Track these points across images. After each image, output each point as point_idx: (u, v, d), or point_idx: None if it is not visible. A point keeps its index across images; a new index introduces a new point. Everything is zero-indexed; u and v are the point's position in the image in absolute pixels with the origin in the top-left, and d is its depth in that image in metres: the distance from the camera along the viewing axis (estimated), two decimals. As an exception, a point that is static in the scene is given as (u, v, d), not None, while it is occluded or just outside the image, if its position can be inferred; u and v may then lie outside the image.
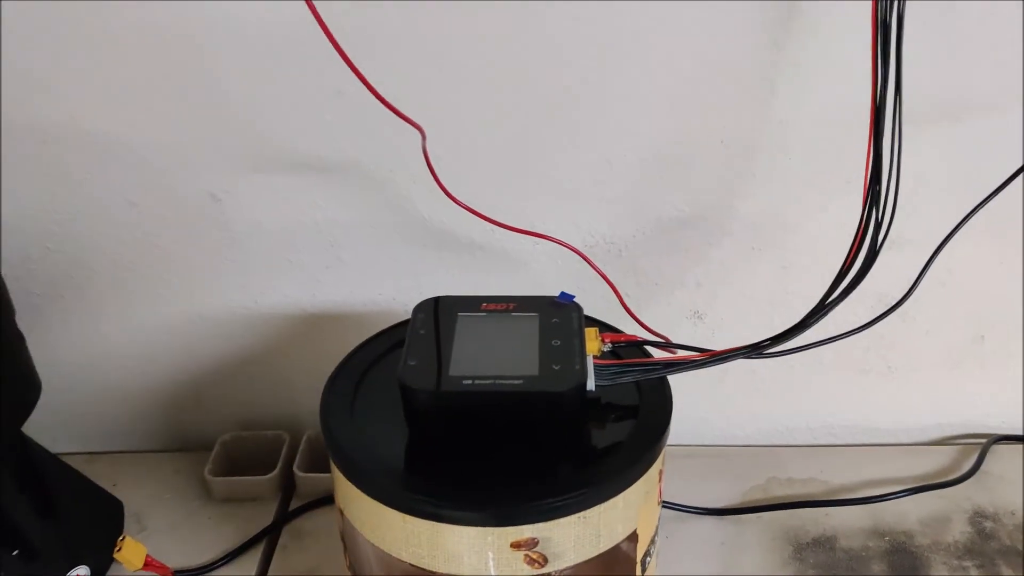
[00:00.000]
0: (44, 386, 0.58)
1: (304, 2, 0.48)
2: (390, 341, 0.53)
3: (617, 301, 0.59)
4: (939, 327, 0.70)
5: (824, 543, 0.64)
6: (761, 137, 0.62)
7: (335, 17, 0.48)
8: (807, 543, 0.64)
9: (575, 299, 0.51)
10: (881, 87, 0.50)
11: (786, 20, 0.57)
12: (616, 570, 0.46)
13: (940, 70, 0.59)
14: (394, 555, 0.45)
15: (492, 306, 0.51)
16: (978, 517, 0.66)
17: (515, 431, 0.45)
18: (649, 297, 0.68)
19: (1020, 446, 0.72)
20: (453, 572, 0.44)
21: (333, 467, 0.47)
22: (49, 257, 0.66)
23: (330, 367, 0.52)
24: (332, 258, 0.67)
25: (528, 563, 0.43)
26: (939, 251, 0.54)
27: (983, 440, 0.73)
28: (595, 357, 0.47)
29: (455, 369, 0.45)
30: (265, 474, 0.68)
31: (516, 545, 0.42)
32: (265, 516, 0.67)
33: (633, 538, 0.46)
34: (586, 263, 0.60)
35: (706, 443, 0.74)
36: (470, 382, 0.44)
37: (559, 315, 0.50)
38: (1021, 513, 0.66)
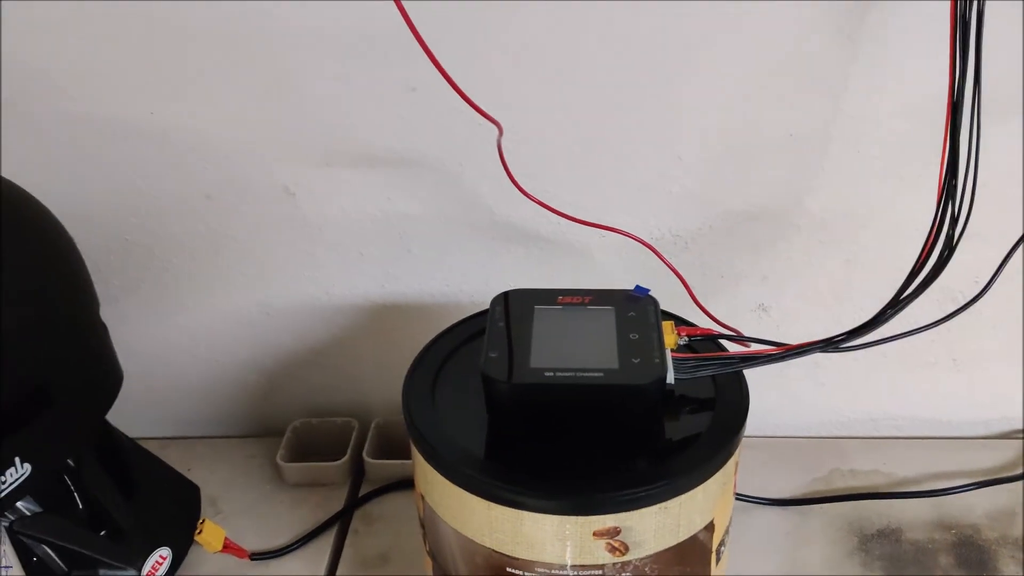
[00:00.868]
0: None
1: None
2: (466, 332, 0.54)
3: (685, 294, 0.59)
4: (1005, 320, 0.70)
5: (889, 535, 0.64)
6: (831, 131, 0.62)
7: (412, 13, 0.49)
8: (872, 535, 0.64)
9: (650, 292, 0.52)
10: (960, 81, 0.50)
11: (860, 12, 0.57)
12: (692, 559, 0.47)
13: (1020, 63, 0.58)
14: (476, 541, 0.46)
15: (568, 299, 0.52)
16: (1045, 512, 0.66)
17: (595, 422, 0.46)
18: (714, 290, 0.68)
19: (1087, 440, 0.72)
20: (535, 559, 0.45)
21: (415, 454, 0.48)
22: (127, 249, 0.68)
23: (398, 357, 0.53)
24: (402, 251, 0.68)
25: (609, 551, 0.44)
26: (1015, 249, 0.54)
27: (1048, 434, 0.73)
28: (672, 351, 0.48)
29: (536, 361, 0.46)
30: (335, 460, 0.70)
31: (598, 534, 0.43)
32: (336, 501, 0.69)
33: (710, 528, 0.47)
34: (653, 256, 0.61)
35: (769, 435, 0.74)
36: (552, 374, 0.45)
37: (635, 308, 0.50)
38: (1089, 508, 0.66)
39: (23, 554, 0.55)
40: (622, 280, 0.54)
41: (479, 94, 0.54)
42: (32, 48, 0.59)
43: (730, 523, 0.50)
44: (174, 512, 0.65)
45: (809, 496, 0.68)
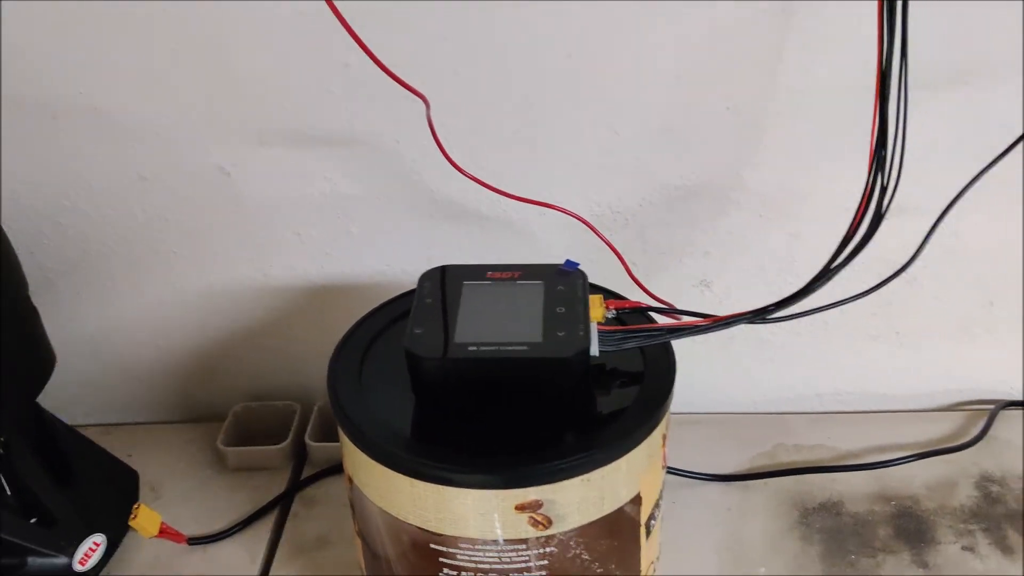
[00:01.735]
0: (59, 360, 0.59)
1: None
2: (396, 311, 0.54)
3: (624, 270, 0.59)
4: (947, 293, 0.70)
5: (830, 508, 0.64)
6: (769, 105, 0.61)
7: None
8: (813, 508, 0.64)
9: (579, 267, 0.52)
10: (887, 52, 0.50)
11: (792, -15, 0.57)
12: (620, 533, 0.47)
13: (948, 36, 0.58)
14: (401, 519, 0.45)
15: (497, 274, 0.51)
16: (985, 481, 0.66)
17: (520, 397, 0.46)
18: (657, 266, 0.68)
19: (1029, 412, 0.72)
20: (459, 534, 0.44)
21: (341, 434, 0.48)
22: (62, 232, 0.67)
23: (339, 338, 0.53)
24: (340, 230, 0.67)
25: (532, 524, 0.43)
26: (944, 215, 0.54)
27: (991, 406, 0.73)
28: (599, 323, 0.48)
29: (460, 336, 0.46)
30: (277, 444, 0.69)
31: (521, 507, 0.43)
32: (277, 485, 0.68)
33: (637, 501, 0.47)
34: (593, 233, 0.60)
35: (713, 411, 0.74)
36: (475, 349, 0.45)
37: (564, 283, 0.50)
38: (1028, 478, 0.66)
39: (-53, 541, 0.54)
40: (564, 257, 0.54)
41: (411, 70, 0.53)
42: (-47, 26, 0.58)
43: (661, 497, 0.50)
44: (110, 498, 0.64)
45: (752, 472, 0.68)
